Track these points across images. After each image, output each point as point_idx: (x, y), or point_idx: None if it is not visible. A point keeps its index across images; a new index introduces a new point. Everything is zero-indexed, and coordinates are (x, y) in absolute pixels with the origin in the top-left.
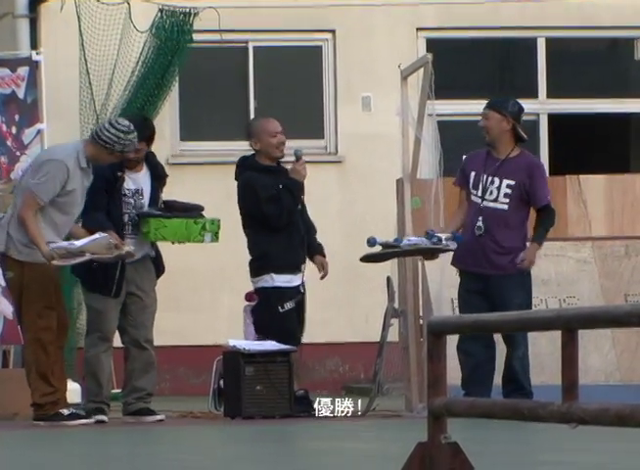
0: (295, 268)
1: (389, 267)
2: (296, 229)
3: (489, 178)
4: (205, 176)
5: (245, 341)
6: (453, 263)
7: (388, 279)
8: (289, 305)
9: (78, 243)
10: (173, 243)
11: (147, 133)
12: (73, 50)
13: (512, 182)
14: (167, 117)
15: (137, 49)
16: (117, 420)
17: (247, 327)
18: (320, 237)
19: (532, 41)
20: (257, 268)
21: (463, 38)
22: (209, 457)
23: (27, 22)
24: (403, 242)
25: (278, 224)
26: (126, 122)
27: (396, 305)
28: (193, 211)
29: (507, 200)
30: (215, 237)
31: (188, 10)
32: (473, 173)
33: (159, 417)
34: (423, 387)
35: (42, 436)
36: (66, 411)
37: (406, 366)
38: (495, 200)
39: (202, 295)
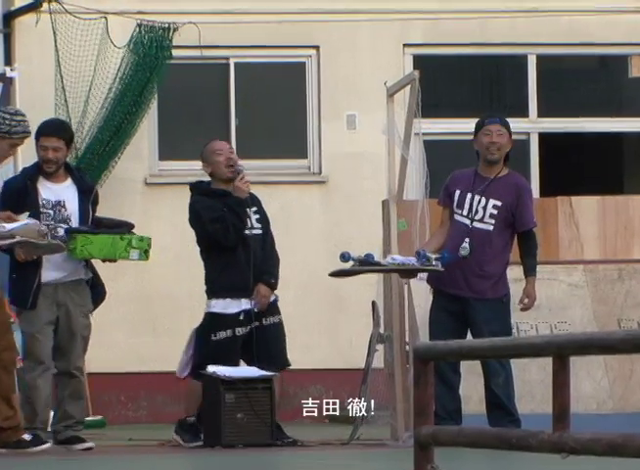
0: (235, 291)
1: (375, 292)
2: (241, 251)
3: (475, 197)
4: (185, 197)
5: (225, 367)
6: (429, 282)
7: (374, 304)
8: (222, 335)
9: (9, 226)
10: (104, 261)
11: (66, 134)
12: (49, 66)
13: (498, 203)
14: (146, 136)
15: (114, 65)
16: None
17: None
18: (304, 259)
19: (523, 58)
20: (206, 292)
21: (451, 55)
22: None
23: (1, 37)
24: (387, 260)
25: (227, 243)
26: (14, 107)
27: (382, 330)
28: (121, 227)
29: (492, 220)
30: (145, 255)
31: (167, 25)
32: (457, 192)
33: (87, 445)
34: (409, 415)
35: (8, 464)
36: (27, 436)
37: (392, 393)
38: (481, 220)
39: (180, 320)
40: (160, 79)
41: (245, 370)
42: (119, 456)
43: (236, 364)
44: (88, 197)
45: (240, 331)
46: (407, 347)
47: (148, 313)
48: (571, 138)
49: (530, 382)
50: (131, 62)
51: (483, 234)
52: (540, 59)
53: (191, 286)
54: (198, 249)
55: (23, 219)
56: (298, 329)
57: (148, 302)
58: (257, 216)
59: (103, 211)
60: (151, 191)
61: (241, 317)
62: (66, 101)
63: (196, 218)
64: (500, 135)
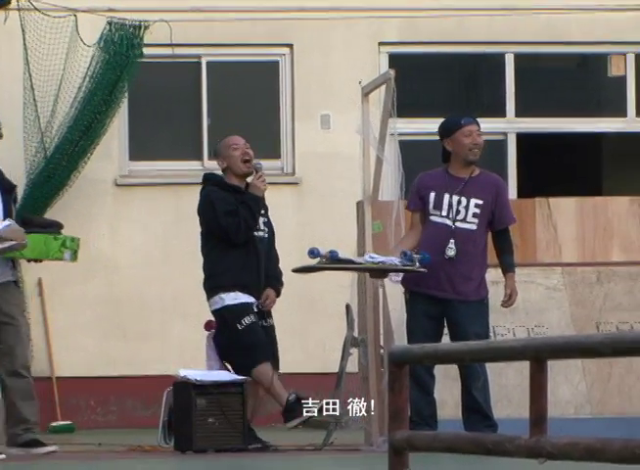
0: (243, 288)
1: (349, 294)
2: (251, 251)
3: (454, 198)
4: (155, 198)
5: (196, 371)
6: (405, 284)
7: (348, 307)
8: (247, 320)
9: None
10: (29, 261)
11: None
12: (17, 65)
13: (480, 201)
14: (116, 136)
15: (84, 63)
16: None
17: (208, 359)
18: None
19: (500, 57)
20: (208, 289)
21: (427, 53)
22: None
23: None
24: (365, 258)
25: (237, 238)
26: None
27: (356, 333)
28: (51, 227)
29: (475, 220)
30: (74, 256)
31: (138, 23)
32: (432, 194)
33: (50, 449)
34: (383, 419)
35: None
36: None
37: (366, 398)
38: (464, 220)
39: (151, 322)
40: (131, 78)
41: (216, 374)
42: (89, 462)
43: (271, 349)
44: (10, 196)
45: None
46: (382, 350)
47: (118, 317)
48: (549, 138)
49: (507, 386)
50: (101, 60)
51: (468, 234)
52: (518, 57)
53: (161, 288)
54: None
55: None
56: None
57: (117, 305)
58: (265, 220)
59: (72, 211)
60: (121, 192)
61: (255, 309)
62: (34, 100)
63: (210, 209)
64: (479, 135)
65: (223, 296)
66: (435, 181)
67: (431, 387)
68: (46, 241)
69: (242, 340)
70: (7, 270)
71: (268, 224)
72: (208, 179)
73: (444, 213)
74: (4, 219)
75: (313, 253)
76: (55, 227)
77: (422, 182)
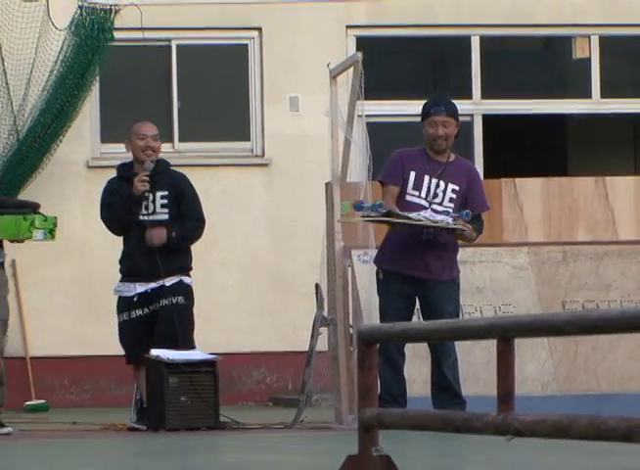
0: (129, 276)
1: (318, 274)
2: (135, 237)
3: (433, 180)
4: None
5: (167, 350)
6: (379, 263)
7: (317, 286)
8: (120, 318)
9: None
10: (12, 241)
11: None
12: None
13: (456, 187)
14: (88, 118)
15: (56, 47)
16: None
17: None
18: (246, 242)
19: (466, 39)
20: None
21: (395, 36)
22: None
23: None
24: (425, 215)
25: (113, 232)
26: None
27: (325, 313)
28: (26, 208)
29: (451, 204)
30: (50, 235)
31: (109, 7)
32: (413, 173)
33: (6, 430)
34: (353, 397)
35: None
36: None
37: (335, 376)
38: (440, 203)
39: None
40: (102, 62)
41: (188, 354)
42: (63, 440)
43: (136, 346)
44: None
45: (135, 313)
46: (351, 329)
47: (91, 297)
48: (514, 120)
49: (475, 364)
50: (73, 44)
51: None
52: (484, 40)
53: None
54: None
55: None
56: (242, 312)
57: (91, 285)
58: (164, 201)
59: (45, 193)
60: (93, 174)
61: (135, 299)
62: (7, 83)
63: (101, 206)
64: (446, 126)
65: (116, 286)
66: (415, 161)
67: (401, 365)
68: (17, 221)
69: (119, 333)
70: None
71: (171, 203)
72: (117, 169)
73: (423, 195)
74: None
75: (357, 206)
76: (29, 208)
77: (402, 160)
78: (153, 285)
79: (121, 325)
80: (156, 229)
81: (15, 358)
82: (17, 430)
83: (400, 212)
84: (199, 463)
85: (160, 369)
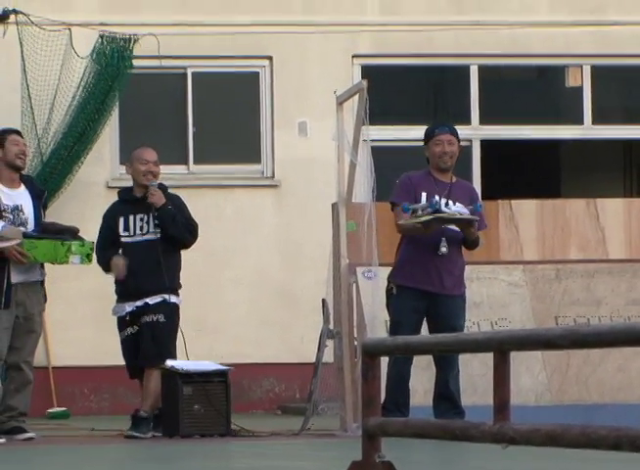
0: (121, 296)
1: (325, 290)
2: (127, 257)
3: (443, 200)
4: None
5: (182, 361)
6: (394, 279)
7: (324, 301)
8: (121, 336)
9: None
10: (53, 263)
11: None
12: (16, 75)
13: (462, 207)
14: (108, 141)
15: (78, 74)
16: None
17: None
18: (257, 260)
19: (465, 69)
20: None
21: (397, 65)
22: None
23: None
24: (458, 209)
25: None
26: None
27: (332, 326)
28: (64, 233)
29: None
30: (87, 259)
31: (128, 36)
32: (424, 194)
33: (28, 435)
34: (357, 407)
35: None
36: None
37: (341, 386)
38: None
39: None
40: (122, 88)
41: (201, 364)
42: (83, 446)
43: (133, 361)
44: (40, 201)
45: (127, 331)
46: (355, 342)
47: (110, 311)
48: (511, 145)
49: (473, 376)
50: (94, 71)
51: (454, 233)
52: (482, 69)
53: None
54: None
55: None
56: (252, 326)
57: (110, 299)
58: (141, 224)
59: (67, 213)
60: (112, 194)
61: (127, 318)
62: (32, 108)
63: (100, 227)
64: (451, 144)
65: (113, 307)
66: (424, 183)
67: (408, 378)
68: (55, 246)
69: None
70: (37, 270)
71: (159, 223)
72: (118, 193)
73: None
74: (35, 225)
75: (408, 208)
76: (67, 233)
77: (412, 182)
78: (138, 303)
79: (122, 343)
80: (158, 193)
81: (38, 368)
82: (39, 435)
83: (445, 209)
84: (212, 468)
85: (174, 379)
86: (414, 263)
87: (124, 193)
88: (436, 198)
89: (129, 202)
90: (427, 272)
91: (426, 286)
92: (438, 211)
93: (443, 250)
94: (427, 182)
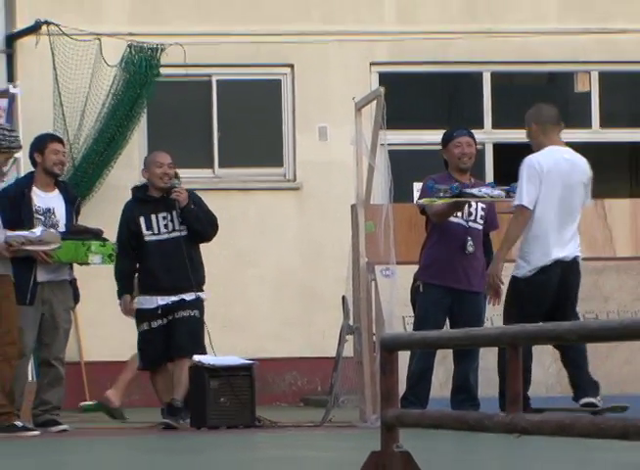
0: (148, 291)
1: (345, 287)
2: (148, 255)
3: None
4: None
5: (209, 356)
6: (422, 277)
7: (344, 298)
8: (141, 328)
9: (37, 232)
10: (80, 264)
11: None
12: (48, 83)
13: (484, 206)
14: (136, 147)
15: (107, 82)
16: (80, 430)
17: None
18: (279, 259)
19: (479, 75)
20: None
21: (413, 72)
22: (177, 464)
23: (5, 57)
24: (486, 191)
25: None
26: (6, 124)
27: (351, 322)
28: (86, 234)
29: (482, 221)
30: (109, 259)
31: (155, 45)
32: None
33: (62, 427)
34: (376, 399)
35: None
36: (19, 423)
37: (360, 380)
38: (475, 220)
39: None
40: (150, 95)
41: (227, 359)
42: (114, 437)
43: (155, 353)
44: (73, 206)
45: (156, 323)
46: (374, 337)
47: None
48: (522, 148)
49: (488, 369)
50: (123, 79)
51: (477, 233)
52: (495, 76)
53: None
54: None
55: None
56: (276, 322)
57: None
58: (165, 222)
59: (97, 215)
60: None
61: (159, 311)
62: (63, 115)
63: (121, 222)
64: (470, 146)
65: (138, 298)
66: (447, 184)
67: (432, 373)
68: (76, 247)
69: (139, 342)
70: (65, 270)
71: (181, 221)
72: (133, 192)
73: (459, 214)
74: (66, 226)
75: (432, 186)
76: (90, 234)
77: (437, 183)
78: (174, 298)
79: (143, 334)
80: (185, 192)
81: (71, 363)
82: (72, 428)
83: (469, 191)
84: (238, 457)
85: (201, 373)
86: (442, 262)
87: (140, 192)
88: (456, 183)
89: (147, 202)
90: (454, 270)
91: (453, 283)
92: (461, 194)
93: (470, 249)
94: (449, 183)
